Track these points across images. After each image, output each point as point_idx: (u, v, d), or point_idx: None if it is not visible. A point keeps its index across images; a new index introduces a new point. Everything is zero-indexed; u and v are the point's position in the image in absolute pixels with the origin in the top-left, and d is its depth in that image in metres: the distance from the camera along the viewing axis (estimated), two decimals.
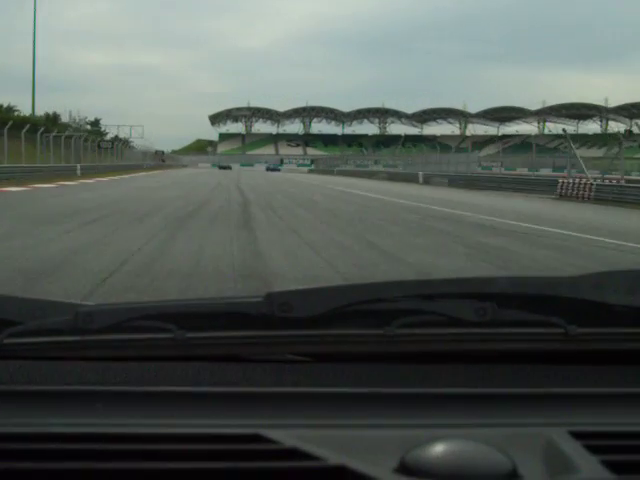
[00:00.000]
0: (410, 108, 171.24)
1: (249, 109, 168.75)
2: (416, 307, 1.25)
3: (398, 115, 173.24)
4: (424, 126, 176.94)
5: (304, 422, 1.05)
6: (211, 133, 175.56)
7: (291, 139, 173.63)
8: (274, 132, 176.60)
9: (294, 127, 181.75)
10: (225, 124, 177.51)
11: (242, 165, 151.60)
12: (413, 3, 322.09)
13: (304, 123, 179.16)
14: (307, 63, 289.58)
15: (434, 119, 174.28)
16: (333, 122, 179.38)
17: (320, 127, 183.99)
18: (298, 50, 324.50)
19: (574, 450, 0.95)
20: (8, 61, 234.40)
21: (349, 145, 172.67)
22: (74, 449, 0.94)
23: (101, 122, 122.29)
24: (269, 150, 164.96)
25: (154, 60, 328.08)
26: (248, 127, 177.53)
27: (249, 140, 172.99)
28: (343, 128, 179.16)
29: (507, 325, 1.26)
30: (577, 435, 0.99)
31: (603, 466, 0.91)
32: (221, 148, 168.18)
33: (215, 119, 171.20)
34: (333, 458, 0.92)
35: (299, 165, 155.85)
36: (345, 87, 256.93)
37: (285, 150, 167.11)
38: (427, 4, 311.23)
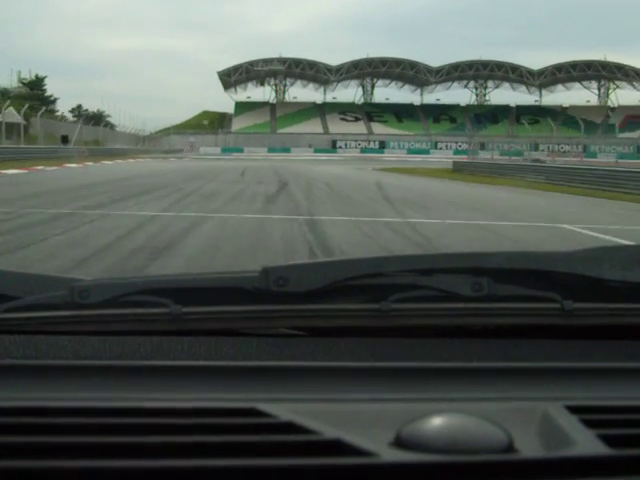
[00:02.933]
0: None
1: (282, 61, 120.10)
2: (413, 282, 1.34)
3: (507, 77, 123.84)
4: (544, 92, 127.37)
5: (300, 396, 1.10)
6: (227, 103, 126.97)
7: (346, 110, 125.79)
8: (319, 100, 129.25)
9: (348, 93, 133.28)
10: (245, 88, 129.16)
11: (271, 151, 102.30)
12: None
13: (364, 87, 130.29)
14: (333, 48, 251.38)
15: (563, 81, 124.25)
16: (407, 86, 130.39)
17: (387, 93, 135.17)
18: (323, 35, 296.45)
19: (570, 424, 1.00)
20: None
21: (436, 120, 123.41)
22: (70, 423, 0.98)
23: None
24: (313, 127, 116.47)
25: (175, 44, 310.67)
26: (280, 92, 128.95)
27: (282, 111, 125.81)
28: (422, 94, 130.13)
29: (503, 300, 1.33)
30: (573, 409, 1.04)
31: (599, 440, 0.96)
32: (239, 124, 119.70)
33: (229, 79, 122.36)
34: (329, 432, 0.96)
35: (364, 150, 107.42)
36: None
37: (338, 127, 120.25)
38: None
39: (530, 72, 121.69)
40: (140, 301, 1.29)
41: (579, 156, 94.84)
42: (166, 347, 1.25)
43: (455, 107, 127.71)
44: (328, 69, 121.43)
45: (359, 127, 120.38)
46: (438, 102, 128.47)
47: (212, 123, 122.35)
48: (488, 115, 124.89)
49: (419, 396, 1.10)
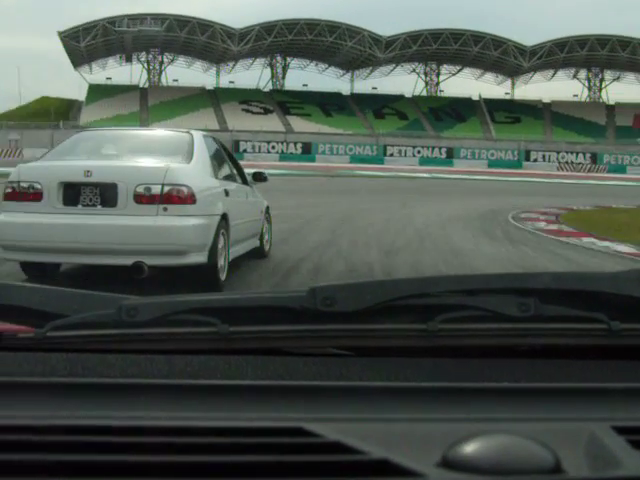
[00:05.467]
0: None
1: (158, 18, 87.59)
2: (459, 302, 1.39)
3: (464, 56, 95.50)
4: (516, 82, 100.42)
5: (347, 416, 1.14)
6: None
7: (249, 99, 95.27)
8: (210, 85, 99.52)
9: (249, 77, 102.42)
10: (104, 66, 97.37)
11: None
12: None
13: (273, 69, 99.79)
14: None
15: (541, 68, 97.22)
16: (331, 68, 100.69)
17: (305, 78, 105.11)
18: None
19: (617, 445, 1.03)
20: None
21: (379, 115, 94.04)
22: (117, 442, 1.03)
23: None
24: (202, 120, 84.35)
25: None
26: (155, 72, 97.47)
27: (157, 99, 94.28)
28: (353, 81, 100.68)
29: (550, 320, 1.38)
30: (620, 430, 1.07)
31: None
32: (92, 115, 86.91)
33: (78, 46, 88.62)
34: (376, 452, 1.00)
35: (283, 157, 77.31)
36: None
37: (240, 121, 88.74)
38: None
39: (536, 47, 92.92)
40: (187, 320, 1.35)
41: (602, 169, 79.10)
42: (213, 366, 1.30)
43: (399, 98, 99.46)
44: (228, 34, 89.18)
45: (271, 122, 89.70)
46: (375, 91, 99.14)
47: (56, 114, 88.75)
48: (448, 110, 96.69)
49: (466, 416, 1.15)
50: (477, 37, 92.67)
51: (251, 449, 1.03)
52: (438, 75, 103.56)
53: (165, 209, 7.65)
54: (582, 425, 1.10)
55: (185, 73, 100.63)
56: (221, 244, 8.25)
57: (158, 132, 10.89)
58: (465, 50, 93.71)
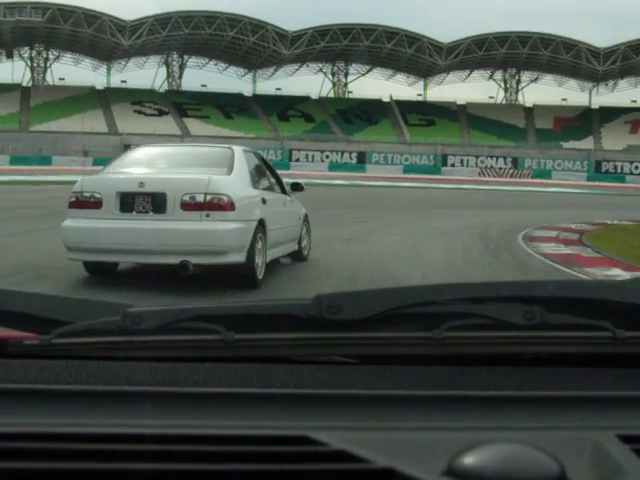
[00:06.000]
0: None
1: (40, 7, 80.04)
2: (464, 310, 1.40)
3: (377, 56, 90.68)
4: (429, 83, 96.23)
5: (352, 424, 1.16)
6: None
7: (143, 100, 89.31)
8: (100, 85, 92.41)
9: (143, 77, 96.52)
10: None
11: (16, 161, 64.00)
12: None
13: (169, 67, 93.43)
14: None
15: (457, 67, 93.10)
16: (232, 67, 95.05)
17: (204, 78, 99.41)
18: None
19: (622, 453, 1.05)
20: None
21: (283, 117, 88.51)
22: (122, 450, 1.05)
23: None
24: (90, 121, 78.50)
25: None
26: (39, 70, 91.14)
27: (40, 98, 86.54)
28: (255, 81, 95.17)
29: (555, 328, 1.39)
30: (625, 439, 1.09)
31: None
32: None
33: None
34: (381, 461, 1.02)
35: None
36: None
37: (132, 123, 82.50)
38: None
39: (451, 45, 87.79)
40: (193, 328, 1.36)
41: (525, 174, 77.37)
42: (218, 374, 1.31)
43: (305, 100, 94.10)
44: (118, 26, 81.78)
45: (166, 125, 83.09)
46: (279, 92, 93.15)
47: None
48: (357, 112, 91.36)
49: (471, 425, 1.17)
50: (390, 33, 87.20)
51: (256, 457, 1.04)
52: (346, 75, 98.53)
53: (208, 215, 8.83)
54: (587, 434, 1.11)
55: (74, 72, 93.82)
56: (258, 246, 9.35)
57: (203, 147, 11.77)
58: (377, 47, 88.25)
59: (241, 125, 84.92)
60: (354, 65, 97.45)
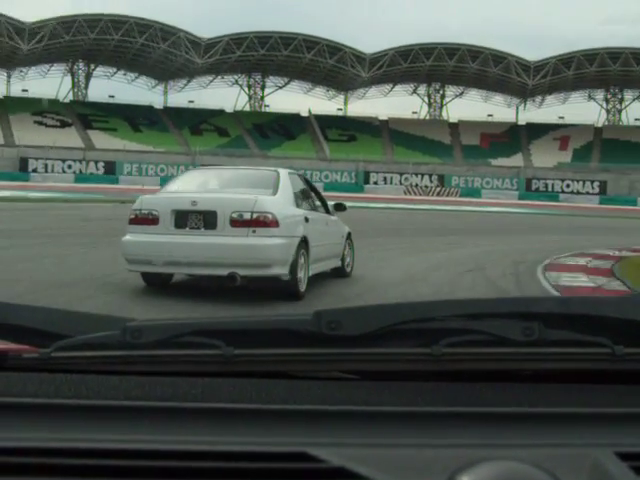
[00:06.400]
0: None
1: None
2: (463, 326, 1.42)
3: (295, 69, 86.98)
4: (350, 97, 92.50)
5: (351, 441, 1.17)
6: None
7: (45, 111, 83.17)
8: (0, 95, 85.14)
9: (47, 86, 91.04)
10: None
11: None
12: None
13: (74, 76, 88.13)
14: None
15: (381, 81, 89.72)
16: (142, 78, 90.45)
17: (112, 88, 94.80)
18: None
19: (620, 471, 1.06)
20: None
21: (196, 131, 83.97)
22: (120, 465, 1.06)
23: None
24: None
25: None
26: None
27: None
28: (166, 93, 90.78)
29: (554, 345, 1.40)
30: (623, 456, 1.10)
31: None
32: None
33: None
34: (380, 478, 1.03)
35: (80, 179, 65.89)
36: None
37: (31, 135, 76.50)
38: None
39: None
40: (192, 342, 1.37)
41: (453, 192, 76.36)
42: (217, 389, 1.32)
43: (220, 113, 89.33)
44: (17, 29, 74.97)
45: (69, 137, 77.46)
46: (192, 105, 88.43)
47: None
48: (275, 127, 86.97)
49: (470, 442, 1.17)
50: (311, 42, 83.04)
51: (255, 474, 1.05)
52: (263, 88, 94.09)
53: (254, 231, 9.69)
54: (585, 451, 1.12)
55: None
56: (301, 261, 10.16)
57: (252, 170, 12.96)
58: (295, 57, 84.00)
59: (150, 138, 79.90)
60: (271, 78, 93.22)
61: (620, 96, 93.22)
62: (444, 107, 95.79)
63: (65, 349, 1.37)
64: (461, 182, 76.84)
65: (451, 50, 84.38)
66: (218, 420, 1.23)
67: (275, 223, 9.64)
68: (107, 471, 1.04)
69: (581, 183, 78.41)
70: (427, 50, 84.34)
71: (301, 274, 10.10)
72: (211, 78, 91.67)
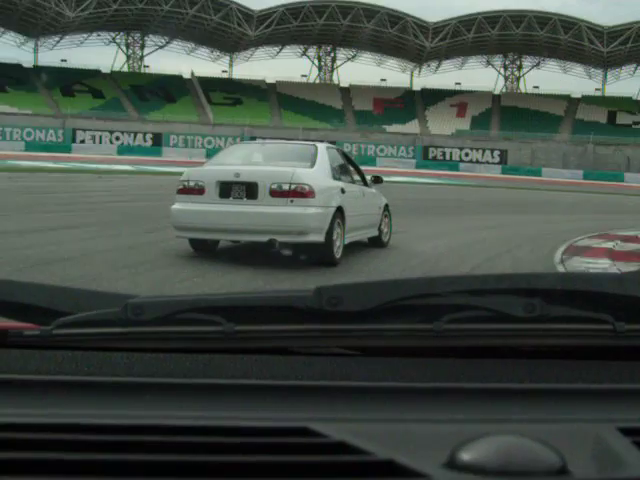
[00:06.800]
0: None
1: None
2: (465, 302, 1.42)
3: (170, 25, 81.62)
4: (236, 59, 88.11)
5: (352, 416, 1.17)
6: None
7: None
8: None
9: None
10: None
11: None
12: None
13: None
14: None
15: (264, 42, 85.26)
16: (9, 33, 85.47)
17: None
18: None
19: (623, 446, 1.06)
20: None
21: (68, 92, 78.37)
22: (122, 441, 1.06)
23: None
24: None
25: None
26: None
27: None
28: (37, 51, 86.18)
29: (555, 321, 1.41)
30: (626, 431, 1.11)
31: None
32: None
33: None
34: (381, 452, 1.03)
35: None
36: None
37: None
38: None
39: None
40: (193, 319, 1.37)
41: None
42: (218, 365, 1.34)
43: (95, 74, 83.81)
44: None
45: None
46: (65, 64, 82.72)
47: None
48: (154, 89, 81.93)
49: (471, 417, 1.19)
50: None
51: (256, 449, 1.05)
52: (142, 47, 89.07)
53: (292, 201, 10.20)
54: (588, 426, 1.13)
55: None
56: (337, 229, 10.66)
57: (291, 144, 13.66)
58: (177, 13, 78.42)
59: (16, 99, 73.62)
60: (152, 37, 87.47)
61: (519, 62, 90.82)
62: (335, 71, 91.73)
63: (66, 326, 1.37)
64: (354, 149, 72.18)
65: (345, 8, 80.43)
66: (219, 396, 1.24)
67: (312, 193, 10.21)
68: (109, 447, 1.05)
69: (481, 152, 75.68)
70: (319, 8, 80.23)
71: (337, 242, 10.67)
72: (85, 36, 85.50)
